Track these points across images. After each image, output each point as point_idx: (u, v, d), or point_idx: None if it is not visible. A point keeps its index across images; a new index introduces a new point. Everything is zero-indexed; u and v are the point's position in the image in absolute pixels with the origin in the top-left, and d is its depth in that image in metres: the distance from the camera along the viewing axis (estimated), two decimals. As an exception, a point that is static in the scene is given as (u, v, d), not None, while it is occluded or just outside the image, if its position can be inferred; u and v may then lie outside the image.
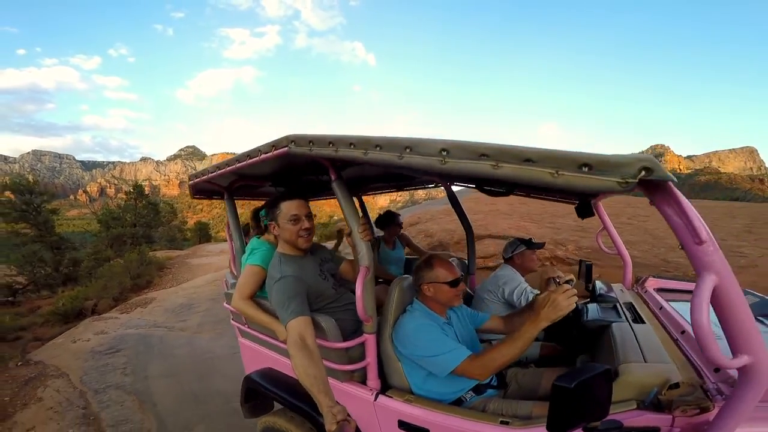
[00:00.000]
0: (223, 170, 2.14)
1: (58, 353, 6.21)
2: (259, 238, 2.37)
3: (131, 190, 23.86)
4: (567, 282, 1.98)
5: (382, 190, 3.87)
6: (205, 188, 2.74)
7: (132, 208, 23.24)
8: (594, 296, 2.45)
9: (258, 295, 2.16)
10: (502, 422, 1.50)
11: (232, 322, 2.73)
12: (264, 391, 2.23)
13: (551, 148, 0.99)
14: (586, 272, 2.87)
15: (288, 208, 1.90)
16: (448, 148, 1.13)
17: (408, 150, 1.24)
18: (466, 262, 3.55)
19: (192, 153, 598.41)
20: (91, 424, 3.79)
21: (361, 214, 1.86)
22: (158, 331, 7.37)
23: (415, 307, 1.91)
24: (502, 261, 3.05)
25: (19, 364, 5.83)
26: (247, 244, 2.52)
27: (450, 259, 3.05)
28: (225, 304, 2.65)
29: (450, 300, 1.86)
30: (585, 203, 2.49)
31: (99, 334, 7.25)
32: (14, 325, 11.18)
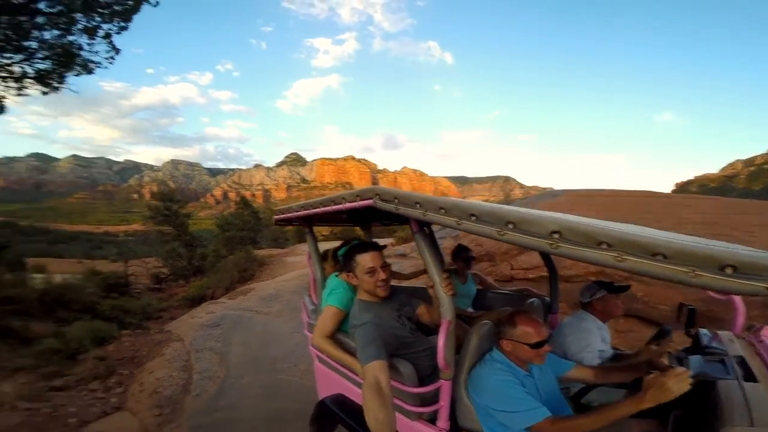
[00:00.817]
0: (308, 212, 2.29)
1: (180, 326, 8.69)
2: (337, 275, 2.47)
3: (240, 200, 28.55)
4: (678, 361, 1.83)
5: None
6: (287, 219, 2.95)
7: (240, 216, 27.87)
8: (697, 346, 2.11)
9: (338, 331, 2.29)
10: None
11: (311, 347, 2.85)
12: (335, 417, 2.28)
13: (687, 242, 0.92)
14: (688, 317, 2.36)
15: (364, 261, 1.98)
16: (560, 230, 1.03)
17: (510, 226, 1.14)
18: (548, 299, 3.25)
19: (295, 160, 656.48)
20: (187, 370, 5.77)
21: (444, 268, 1.87)
22: (248, 313, 9.56)
23: (495, 357, 1.83)
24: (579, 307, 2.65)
25: (156, 332, 8.37)
26: (324, 269, 2.85)
27: (530, 301, 3.02)
28: (305, 331, 2.90)
29: (530, 360, 1.77)
30: None
31: (209, 314, 9.71)
32: (159, 307, 14.81)
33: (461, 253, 3.83)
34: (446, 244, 8.81)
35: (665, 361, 1.64)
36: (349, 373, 2.30)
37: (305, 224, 2.92)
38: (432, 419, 1.89)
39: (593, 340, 2.43)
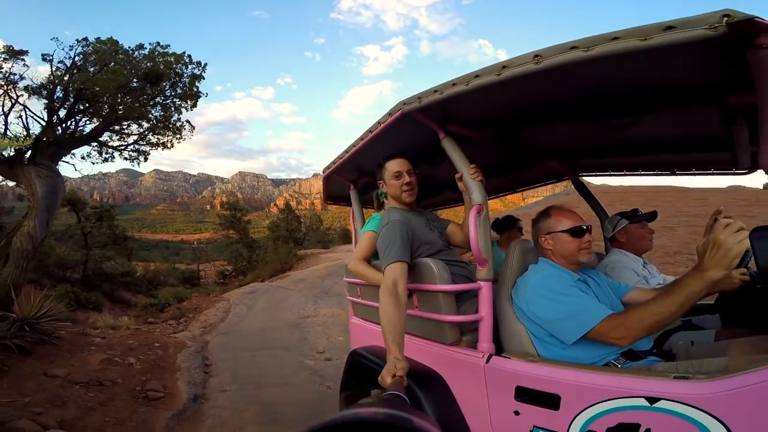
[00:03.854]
0: (351, 153, 2.24)
1: (230, 295, 12.31)
2: (363, 220, 2.55)
3: (285, 206, 33.15)
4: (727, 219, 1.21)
5: (497, 192, 3.38)
6: (336, 188, 2.92)
7: (285, 219, 32.40)
8: None
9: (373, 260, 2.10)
10: (676, 377, 1.09)
11: (348, 297, 2.72)
12: (366, 366, 2.06)
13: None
14: (747, 261, 1.52)
15: (391, 166, 2.01)
16: (540, 53, 1.16)
17: (504, 68, 1.25)
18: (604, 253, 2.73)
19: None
20: (226, 313, 9.18)
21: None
22: (276, 289, 12.95)
23: (541, 262, 1.64)
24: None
25: (214, 297, 12.03)
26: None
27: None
28: (345, 278, 2.67)
29: (574, 253, 1.56)
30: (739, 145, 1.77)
31: (250, 287, 13.26)
32: (222, 290, 18.99)
33: (511, 222, 3.48)
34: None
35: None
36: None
37: (353, 185, 2.78)
38: (472, 343, 1.59)
39: (626, 273, 2.11)
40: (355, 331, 2.67)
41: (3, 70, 7.17)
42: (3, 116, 7.07)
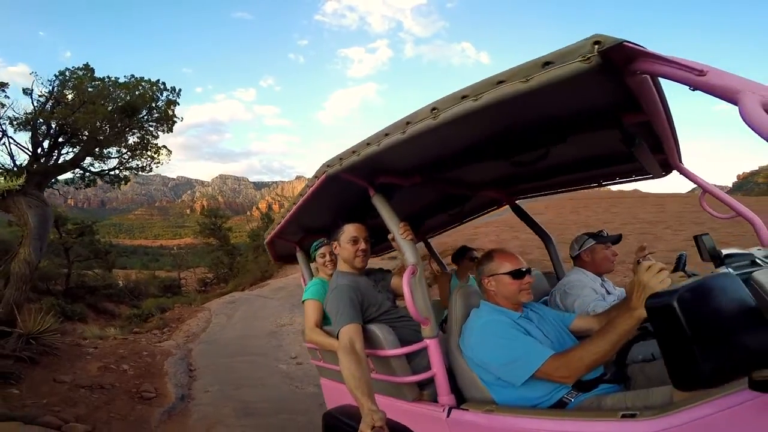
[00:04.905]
0: (287, 218, 2.26)
1: (211, 304, 12.99)
2: (312, 278, 2.62)
3: (264, 215, 33.88)
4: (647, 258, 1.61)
5: (443, 227, 3.68)
6: (283, 249, 2.98)
7: (265, 228, 33.20)
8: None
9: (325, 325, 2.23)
10: (624, 416, 1.14)
11: (312, 361, 2.74)
12: (342, 427, 2.05)
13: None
14: (683, 264, 2.12)
15: (349, 229, 2.04)
16: (435, 106, 1.21)
17: (407, 124, 1.31)
18: (553, 271, 3.04)
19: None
20: (207, 322, 9.94)
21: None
22: (256, 298, 13.71)
23: (482, 306, 1.70)
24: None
25: (195, 308, 12.71)
26: None
27: (533, 272, 2.55)
28: (305, 343, 2.67)
29: (515, 294, 1.63)
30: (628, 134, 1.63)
31: (230, 296, 13.96)
32: (203, 299, 19.52)
33: (465, 253, 3.53)
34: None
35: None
36: None
37: (298, 246, 2.83)
38: (434, 395, 1.64)
39: (585, 291, 2.20)
40: (327, 391, 2.69)
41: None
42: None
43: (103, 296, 16.91)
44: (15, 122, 7.98)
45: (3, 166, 7.62)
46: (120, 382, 5.04)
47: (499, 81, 1.05)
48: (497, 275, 1.65)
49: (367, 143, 1.48)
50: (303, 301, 2.38)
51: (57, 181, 8.78)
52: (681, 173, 2.11)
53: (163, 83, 9.37)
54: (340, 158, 1.62)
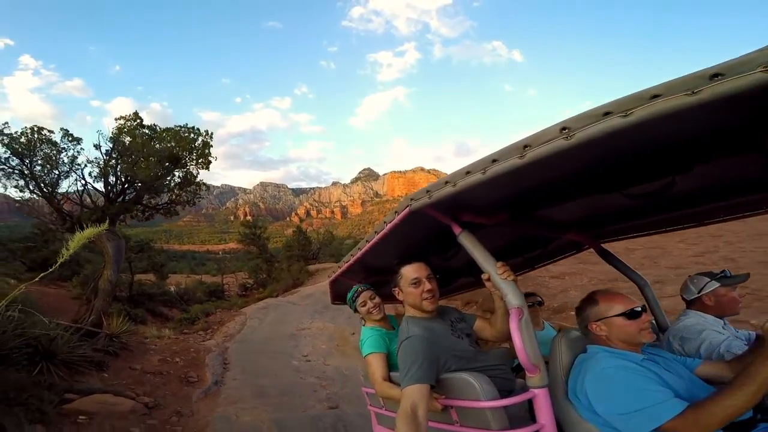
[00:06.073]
0: (357, 256, 2.11)
1: (247, 309, 15.03)
2: (364, 325, 2.40)
3: (296, 229, 36.67)
4: None
5: (515, 271, 3.10)
6: (344, 289, 2.55)
7: (297, 240, 35.59)
8: None
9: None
10: None
11: (370, 407, 2.50)
12: None
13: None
14: None
15: (408, 272, 1.88)
16: (567, 125, 1.03)
17: (527, 147, 1.11)
18: (653, 321, 2.47)
19: (368, 174, 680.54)
20: (241, 328, 11.88)
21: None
22: (286, 303, 15.60)
23: (595, 350, 1.54)
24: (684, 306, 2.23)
25: (234, 312, 14.81)
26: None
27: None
28: (363, 388, 2.52)
29: (635, 336, 1.49)
30: None
31: (265, 304, 15.97)
32: (242, 303, 21.89)
33: (529, 298, 3.07)
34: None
35: None
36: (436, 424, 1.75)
37: (370, 289, 2.37)
38: None
39: (710, 335, 1.94)
40: None
41: (69, 154, 10.02)
42: (78, 194, 10.00)
43: (159, 302, 19.95)
44: (93, 176, 10.31)
45: (88, 207, 9.92)
46: (173, 370, 6.88)
47: (653, 95, 0.89)
48: (607, 318, 1.54)
49: (467, 171, 1.33)
50: (365, 356, 2.19)
51: (125, 216, 11.07)
52: None
53: (197, 129, 11.33)
54: (427, 191, 1.51)
